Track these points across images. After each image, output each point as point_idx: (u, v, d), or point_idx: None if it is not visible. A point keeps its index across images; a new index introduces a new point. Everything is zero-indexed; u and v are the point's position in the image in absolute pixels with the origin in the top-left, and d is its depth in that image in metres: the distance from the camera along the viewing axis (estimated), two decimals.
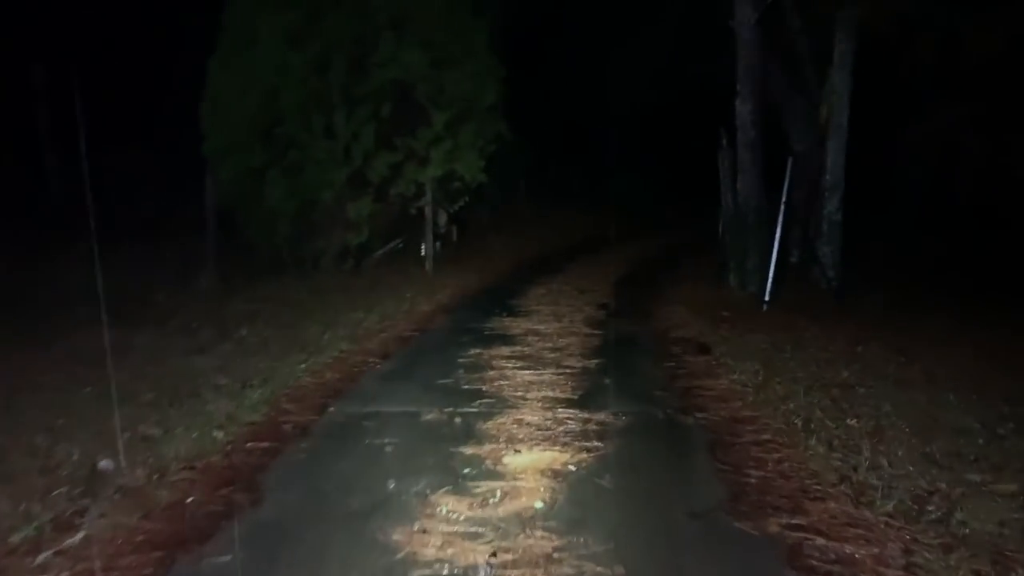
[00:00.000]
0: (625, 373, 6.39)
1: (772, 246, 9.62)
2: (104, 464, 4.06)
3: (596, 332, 7.97)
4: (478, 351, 6.99)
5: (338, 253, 11.14)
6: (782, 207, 9.70)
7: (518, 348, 7.14)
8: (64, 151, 12.25)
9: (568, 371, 6.33)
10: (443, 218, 12.32)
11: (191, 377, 6.01)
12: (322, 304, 9.11)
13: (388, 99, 10.71)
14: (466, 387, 5.87)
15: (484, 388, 5.81)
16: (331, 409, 5.33)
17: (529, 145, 18.15)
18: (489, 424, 4.95)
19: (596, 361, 6.69)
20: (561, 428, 4.88)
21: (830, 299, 10.49)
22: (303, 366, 6.43)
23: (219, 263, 10.36)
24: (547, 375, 6.19)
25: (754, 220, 10.46)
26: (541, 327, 8.15)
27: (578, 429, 4.87)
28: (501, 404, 5.41)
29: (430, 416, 5.13)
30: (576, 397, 5.60)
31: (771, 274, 9.55)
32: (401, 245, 12.15)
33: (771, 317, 8.95)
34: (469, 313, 9.04)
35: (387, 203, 11.32)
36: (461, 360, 6.69)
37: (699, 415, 5.23)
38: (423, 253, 11.72)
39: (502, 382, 5.98)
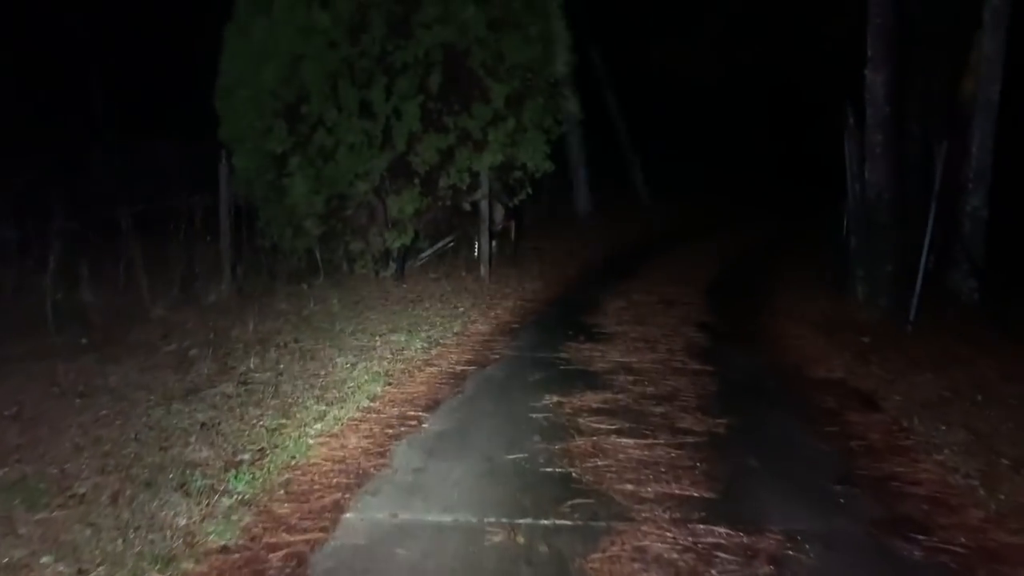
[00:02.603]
0: (774, 447, 4.48)
1: (921, 250, 7.63)
2: None
3: (706, 368, 6.09)
4: (556, 399, 5.18)
5: (376, 256, 9.31)
6: (933, 203, 7.70)
7: (609, 395, 5.30)
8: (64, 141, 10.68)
9: (689, 440, 4.45)
10: (500, 213, 10.40)
11: (161, 444, 4.27)
12: (354, 322, 7.36)
13: (436, 68, 8.74)
14: (547, 470, 4.03)
15: (574, 473, 3.97)
16: (347, 515, 3.52)
17: (590, 128, 16.34)
18: (594, 560, 3.08)
19: (723, 421, 4.79)
20: (715, 572, 3.00)
21: (978, 314, 8.58)
22: (318, 426, 4.66)
23: (235, 268, 8.64)
24: (660, 448, 4.31)
25: (888, 218, 8.45)
26: (632, 359, 6.30)
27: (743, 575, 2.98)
28: (604, 509, 3.55)
29: (498, 538, 3.28)
30: (717, 496, 3.70)
31: (919, 286, 7.56)
32: (451, 245, 10.29)
33: (924, 344, 7.01)
34: (537, 335, 7.24)
35: (436, 196, 9.41)
36: (534, 415, 4.89)
37: (925, 540, 3.28)
38: (477, 255, 9.86)
39: (598, 461, 4.13)
